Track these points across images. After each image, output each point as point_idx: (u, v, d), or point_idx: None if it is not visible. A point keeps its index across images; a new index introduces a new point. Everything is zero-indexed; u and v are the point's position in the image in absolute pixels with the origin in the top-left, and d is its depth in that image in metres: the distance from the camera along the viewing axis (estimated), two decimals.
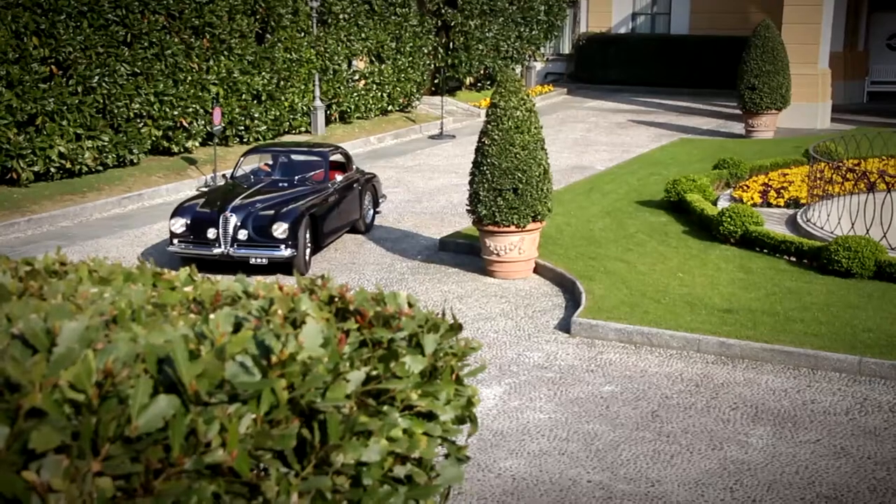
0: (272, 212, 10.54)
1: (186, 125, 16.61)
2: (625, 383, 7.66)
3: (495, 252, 10.51)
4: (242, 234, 10.33)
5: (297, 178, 11.79)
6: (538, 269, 10.69)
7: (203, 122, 16.76)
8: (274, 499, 1.40)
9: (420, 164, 17.82)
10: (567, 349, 8.38)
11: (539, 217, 10.42)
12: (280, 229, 10.29)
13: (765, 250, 10.73)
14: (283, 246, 10.29)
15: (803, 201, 12.34)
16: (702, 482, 6.06)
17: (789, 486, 5.99)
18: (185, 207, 10.77)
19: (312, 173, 11.93)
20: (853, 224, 11.19)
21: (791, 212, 12.23)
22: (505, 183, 10.21)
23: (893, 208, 11.00)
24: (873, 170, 12.40)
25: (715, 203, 12.71)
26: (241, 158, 12.47)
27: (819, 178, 12.07)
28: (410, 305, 1.87)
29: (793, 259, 10.43)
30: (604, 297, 9.37)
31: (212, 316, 1.57)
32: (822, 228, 11.24)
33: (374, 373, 1.66)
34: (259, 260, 10.30)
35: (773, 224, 11.56)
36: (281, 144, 13.68)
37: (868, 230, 10.75)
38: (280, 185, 11.54)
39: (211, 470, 1.37)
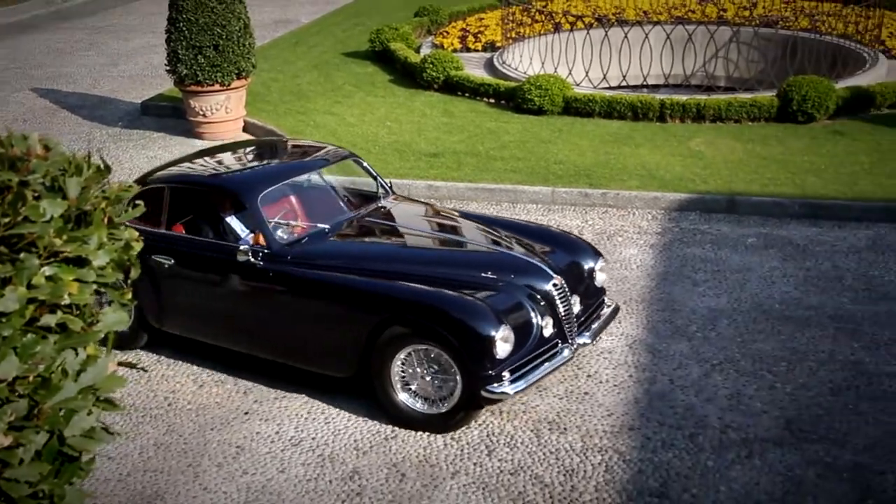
0: (536, 253, 5.66)
1: None
2: None
3: (201, 113, 10.14)
4: (577, 305, 5.55)
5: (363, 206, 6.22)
6: (247, 128, 10.48)
7: None
8: None
9: (113, 24, 16.52)
10: None
11: (244, 74, 10.12)
12: (602, 269, 5.87)
13: (466, 94, 11.16)
14: (605, 299, 5.93)
15: (499, 44, 12.86)
16: None
17: None
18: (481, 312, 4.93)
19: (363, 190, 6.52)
20: (543, 64, 11.88)
21: (488, 55, 12.72)
22: (204, 40, 9.77)
23: (576, 47, 11.78)
24: (558, 10, 13.13)
25: (418, 51, 12.93)
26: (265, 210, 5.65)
27: (512, 20, 12.60)
28: (48, 149, 1.76)
29: (491, 101, 10.94)
30: None
31: None
32: (516, 70, 11.81)
33: (6, 220, 1.56)
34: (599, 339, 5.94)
35: (473, 68, 11.99)
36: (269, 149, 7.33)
37: (556, 68, 11.46)
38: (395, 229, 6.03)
39: None
